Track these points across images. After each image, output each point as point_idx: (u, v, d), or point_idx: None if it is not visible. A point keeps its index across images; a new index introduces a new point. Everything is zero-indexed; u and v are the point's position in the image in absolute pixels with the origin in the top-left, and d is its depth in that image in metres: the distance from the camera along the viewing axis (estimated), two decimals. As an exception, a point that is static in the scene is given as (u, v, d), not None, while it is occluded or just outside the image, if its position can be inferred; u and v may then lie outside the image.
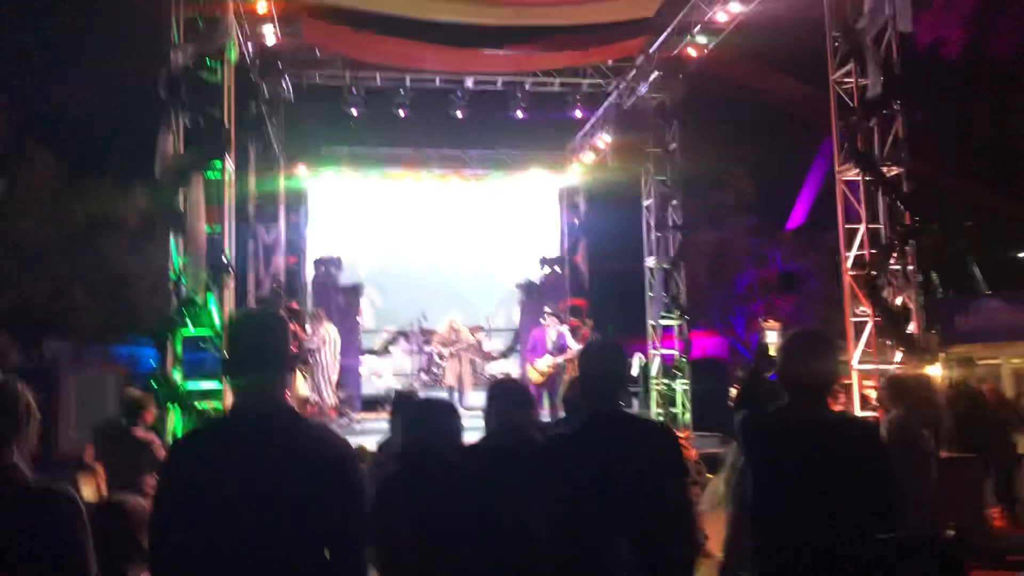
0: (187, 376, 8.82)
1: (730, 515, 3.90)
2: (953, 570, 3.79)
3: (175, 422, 8.45)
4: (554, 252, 19.90)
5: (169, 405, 8.31)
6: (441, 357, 14.93)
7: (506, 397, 4.01)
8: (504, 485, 3.40)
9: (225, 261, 8.82)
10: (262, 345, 2.51)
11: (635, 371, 15.60)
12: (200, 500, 2.33)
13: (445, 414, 3.79)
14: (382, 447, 5.65)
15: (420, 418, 3.76)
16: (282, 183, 15.48)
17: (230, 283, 8.92)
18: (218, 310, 8.73)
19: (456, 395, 13.86)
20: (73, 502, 2.43)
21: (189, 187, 8.57)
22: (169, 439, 8.28)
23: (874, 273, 9.33)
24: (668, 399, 14.98)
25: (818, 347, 3.13)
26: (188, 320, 8.54)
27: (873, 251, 9.57)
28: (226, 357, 2.60)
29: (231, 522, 2.31)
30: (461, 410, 3.91)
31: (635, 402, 15.63)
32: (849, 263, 9.91)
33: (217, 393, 8.83)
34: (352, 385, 16.92)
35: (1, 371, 2.64)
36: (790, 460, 2.98)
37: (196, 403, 8.56)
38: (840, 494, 2.90)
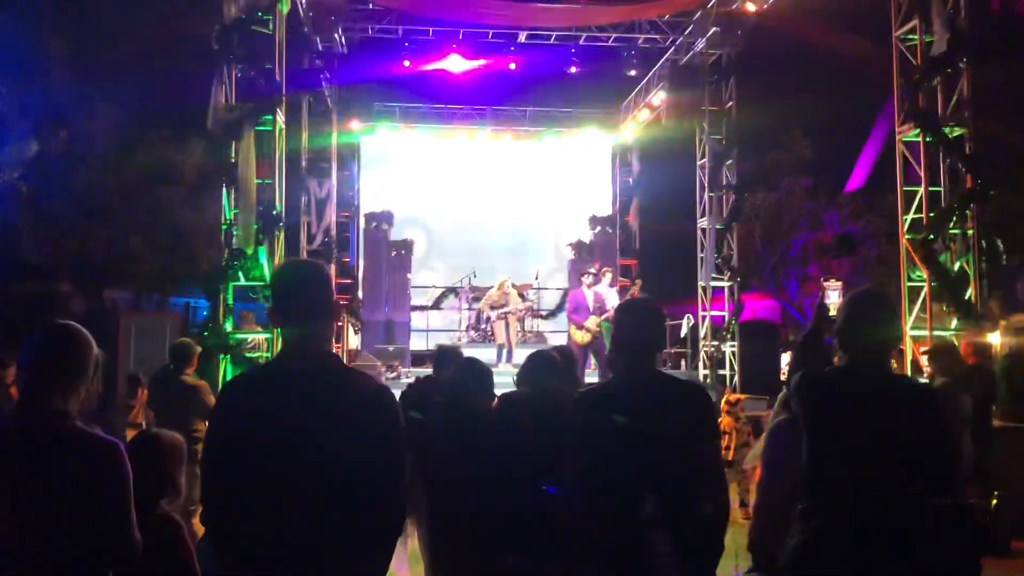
0: (237, 326, 9.00)
1: (761, 476, 3.85)
2: (985, 540, 3.74)
3: (225, 370, 8.63)
4: (606, 211, 19.75)
5: (220, 354, 8.49)
6: (488, 319, 15.00)
7: (540, 365, 4.11)
8: (531, 431, 3.48)
9: (275, 213, 8.92)
10: (306, 294, 2.57)
11: (684, 332, 15.50)
12: (249, 441, 2.40)
13: (484, 371, 3.97)
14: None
15: (461, 372, 3.95)
16: (335, 138, 15.55)
17: (280, 235, 9.03)
18: (268, 262, 8.86)
19: (505, 352, 13.91)
20: (114, 450, 2.50)
21: (241, 140, 8.65)
22: (219, 386, 8.49)
23: (931, 236, 9.09)
24: (717, 361, 14.86)
25: (880, 308, 3.07)
26: (239, 271, 8.69)
27: (931, 214, 9.31)
28: (272, 306, 2.64)
29: (279, 462, 2.37)
30: (507, 367, 4.07)
31: (683, 363, 15.55)
32: (907, 226, 9.67)
33: (266, 343, 9.00)
34: (402, 339, 17.10)
35: (63, 319, 2.70)
36: (849, 421, 2.93)
37: (245, 352, 8.74)
38: (898, 458, 2.86)
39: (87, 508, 2.42)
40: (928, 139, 9.25)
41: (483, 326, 16.12)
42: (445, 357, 5.60)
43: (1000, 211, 8.94)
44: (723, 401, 8.49)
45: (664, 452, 2.98)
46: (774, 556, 3.55)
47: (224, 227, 8.79)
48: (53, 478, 2.40)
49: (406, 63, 15.32)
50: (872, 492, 2.82)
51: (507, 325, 14.19)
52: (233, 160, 8.70)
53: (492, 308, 14.53)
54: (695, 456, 3.01)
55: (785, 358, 9.09)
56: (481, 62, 15.76)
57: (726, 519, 3.10)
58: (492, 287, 14.96)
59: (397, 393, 2.88)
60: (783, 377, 8.84)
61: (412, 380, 6.18)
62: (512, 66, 15.54)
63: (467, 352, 5.80)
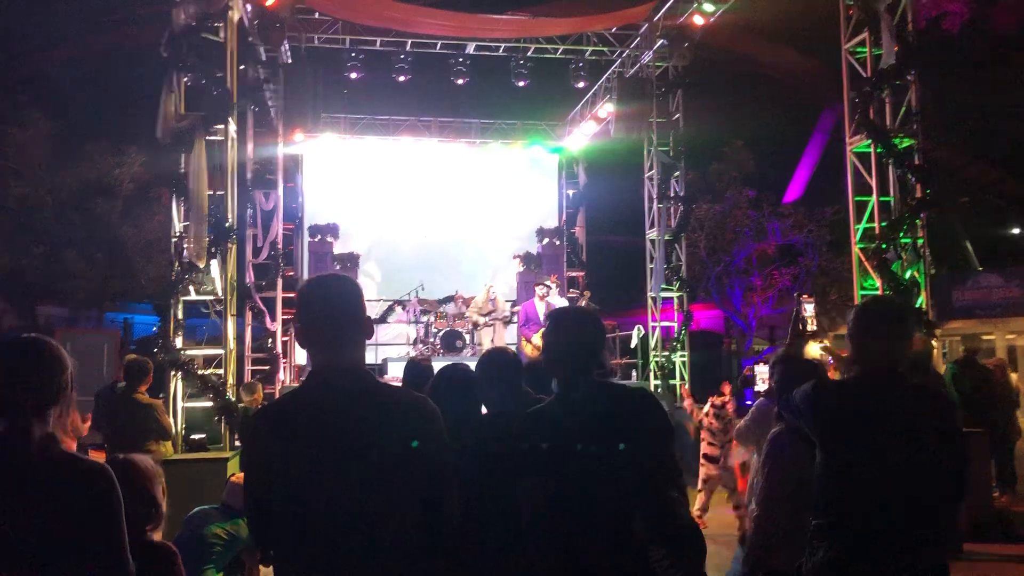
0: (188, 342, 8.70)
1: (761, 487, 3.76)
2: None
3: (176, 388, 8.33)
4: (553, 223, 19.76)
5: (172, 371, 8.19)
6: (476, 326, 14.81)
7: (502, 366, 3.78)
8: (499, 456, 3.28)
9: (227, 226, 8.64)
10: (339, 312, 2.41)
11: (634, 343, 15.53)
12: (290, 466, 2.26)
13: (467, 376, 3.79)
14: None
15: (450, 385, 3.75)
16: (280, 149, 15.24)
17: (233, 248, 8.76)
18: (221, 275, 8.58)
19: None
20: (108, 477, 2.32)
21: (191, 150, 8.37)
22: (171, 404, 8.17)
23: (883, 246, 9.24)
24: (667, 371, 14.93)
25: (893, 316, 2.99)
26: (190, 285, 8.39)
27: (883, 224, 9.47)
28: (300, 326, 2.48)
29: (324, 486, 2.25)
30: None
31: (634, 374, 15.59)
32: (858, 236, 9.82)
33: (218, 359, 8.71)
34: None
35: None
36: (872, 432, 2.84)
37: (198, 369, 8.44)
38: (921, 466, 2.80)
39: (80, 538, 2.24)
40: (879, 149, 9.41)
41: (431, 339, 15.90)
42: (413, 372, 5.39)
43: (929, 224, 9.22)
44: (708, 404, 8.46)
45: (616, 464, 2.79)
46: (777, 569, 3.50)
47: (175, 240, 8.48)
48: (43, 508, 2.21)
49: (352, 75, 15.10)
50: (900, 502, 2.76)
51: (495, 332, 14.12)
52: (183, 171, 8.42)
53: (481, 315, 14.41)
54: (652, 460, 2.83)
55: (758, 370, 8.98)
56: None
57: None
58: (479, 297, 14.91)
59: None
60: (758, 388, 8.83)
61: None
62: (459, 81, 15.41)
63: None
